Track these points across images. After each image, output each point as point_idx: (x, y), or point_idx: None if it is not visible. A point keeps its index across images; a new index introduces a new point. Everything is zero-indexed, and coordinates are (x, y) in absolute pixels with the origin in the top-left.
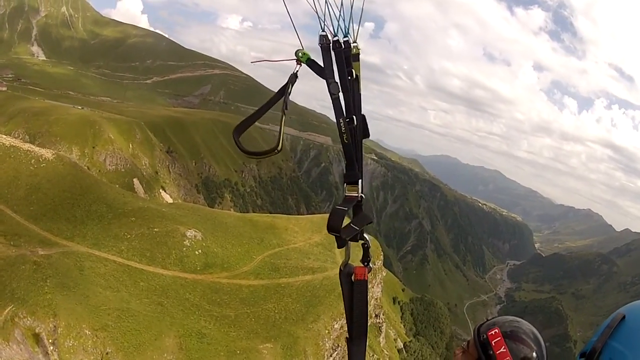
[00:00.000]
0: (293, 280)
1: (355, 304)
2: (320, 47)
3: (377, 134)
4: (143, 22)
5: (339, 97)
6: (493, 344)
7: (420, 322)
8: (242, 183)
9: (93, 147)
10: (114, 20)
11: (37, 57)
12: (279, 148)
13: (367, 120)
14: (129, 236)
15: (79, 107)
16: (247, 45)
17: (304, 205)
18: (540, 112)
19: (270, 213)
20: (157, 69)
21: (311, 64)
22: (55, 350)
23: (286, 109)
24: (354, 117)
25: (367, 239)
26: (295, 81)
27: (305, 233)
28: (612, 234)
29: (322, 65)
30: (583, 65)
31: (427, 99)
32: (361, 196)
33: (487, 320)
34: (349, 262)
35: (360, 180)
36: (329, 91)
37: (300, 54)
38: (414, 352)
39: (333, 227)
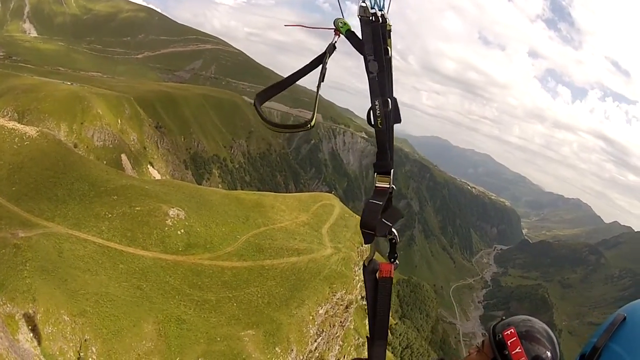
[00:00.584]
0: (277, 262)
1: (379, 302)
2: (360, 19)
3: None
4: None
5: (376, 76)
6: (509, 344)
7: (406, 304)
8: (230, 159)
9: (81, 123)
10: None
11: (29, 34)
12: (312, 123)
13: (359, 99)
14: (110, 215)
15: (69, 83)
16: (241, 20)
17: (292, 183)
18: (534, 98)
19: (258, 190)
20: (149, 43)
21: (350, 35)
22: (35, 337)
23: (322, 80)
24: (389, 99)
25: (396, 234)
26: (333, 52)
27: (292, 212)
28: (601, 225)
29: (361, 39)
30: (579, 56)
31: (421, 80)
32: (393, 188)
33: (502, 319)
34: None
35: (392, 171)
36: (367, 69)
37: (340, 24)
38: (400, 334)
39: (369, 224)
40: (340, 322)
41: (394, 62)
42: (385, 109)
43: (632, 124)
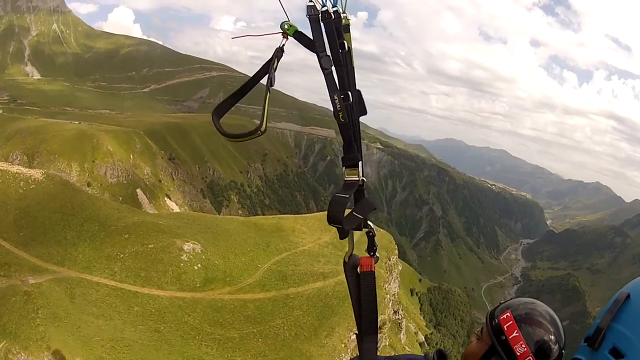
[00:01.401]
0: (303, 290)
1: (363, 297)
2: (309, 18)
3: (380, 122)
4: (136, 32)
5: (331, 71)
6: (505, 329)
7: (439, 312)
8: (248, 184)
9: (93, 161)
10: (105, 32)
11: (32, 76)
12: (263, 129)
13: (370, 110)
14: (122, 256)
15: (76, 122)
16: (243, 45)
17: (312, 201)
18: (541, 88)
19: (279, 212)
20: (154, 76)
21: (299, 36)
22: None
23: (271, 85)
24: (349, 92)
25: (372, 226)
26: (281, 56)
27: (314, 233)
28: (623, 205)
29: (312, 38)
30: (580, 38)
31: (427, 84)
32: (362, 180)
33: (500, 304)
34: (354, 252)
35: (360, 163)
36: (321, 65)
37: (286, 26)
38: (436, 344)
39: (334, 217)
40: None
41: (398, 70)
42: (345, 103)
43: None
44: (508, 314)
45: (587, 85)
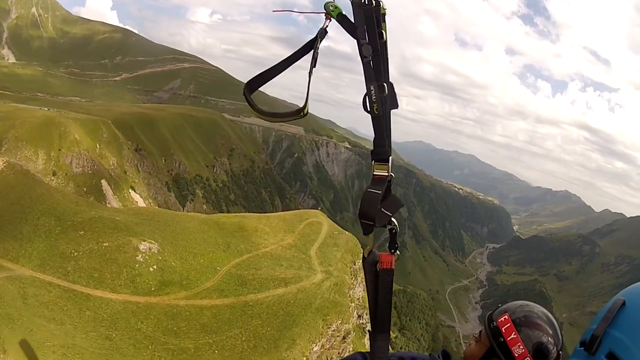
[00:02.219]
0: (263, 297)
1: (380, 294)
2: (352, 2)
3: (351, 122)
4: (113, 19)
5: (370, 60)
6: (503, 331)
7: (404, 315)
8: (213, 178)
9: (59, 150)
10: (82, 18)
11: (7, 59)
12: (305, 111)
13: (341, 109)
14: (76, 254)
15: (45, 109)
16: (218, 38)
17: (278, 198)
18: (514, 95)
19: (244, 207)
20: (126, 65)
21: (342, 19)
22: None
23: (314, 66)
24: (385, 84)
25: (396, 223)
26: (324, 37)
27: (277, 234)
28: (592, 214)
29: (353, 23)
30: (557, 49)
31: (400, 86)
32: (391, 175)
33: (498, 307)
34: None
35: (390, 158)
36: (361, 53)
37: (331, 7)
38: (400, 348)
39: (368, 214)
40: (338, 353)
41: None
42: (381, 94)
43: (615, 111)
44: (506, 316)
45: (561, 95)
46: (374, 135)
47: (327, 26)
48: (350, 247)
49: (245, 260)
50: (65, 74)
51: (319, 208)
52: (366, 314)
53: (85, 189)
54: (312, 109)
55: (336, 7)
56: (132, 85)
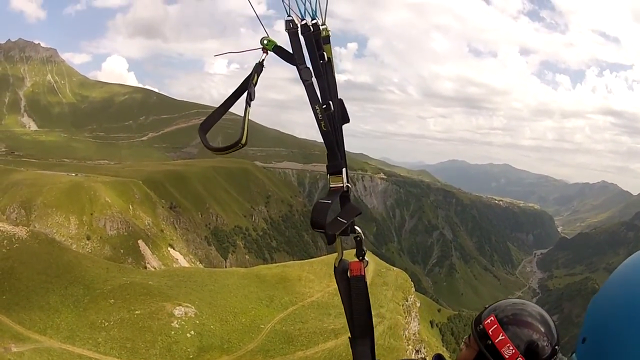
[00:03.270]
0: (312, 353)
1: (354, 301)
2: (288, 32)
3: (382, 151)
4: (131, 80)
5: (312, 83)
6: (490, 333)
7: (462, 340)
8: (253, 227)
9: (91, 214)
10: (100, 81)
11: (29, 127)
12: (243, 141)
13: (370, 140)
14: (106, 324)
15: (73, 174)
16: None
17: (321, 239)
18: (536, 95)
19: (287, 253)
20: (151, 124)
21: (278, 51)
22: None
23: (251, 99)
24: (331, 102)
25: (360, 231)
26: (261, 71)
27: (322, 280)
28: (631, 199)
29: (291, 52)
30: (568, 39)
31: (424, 107)
32: (347, 186)
33: (486, 308)
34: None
35: (344, 169)
36: (301, 77)
37: (265, 42)
38: None
39: (316, 222)
40: None
41: (393, 97)
42: (327, 112)
43: (634, 88)
44: (492, 317)
45: (581, 85)
46: (326, 151)
47: (263, 59)
48: (400, 283)
49: (290, 314)
50: (90, 137)
51: (364, 242)
52: (424, 348)
53: (122, 250)
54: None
55: (270, 41)
56: (159, 143)
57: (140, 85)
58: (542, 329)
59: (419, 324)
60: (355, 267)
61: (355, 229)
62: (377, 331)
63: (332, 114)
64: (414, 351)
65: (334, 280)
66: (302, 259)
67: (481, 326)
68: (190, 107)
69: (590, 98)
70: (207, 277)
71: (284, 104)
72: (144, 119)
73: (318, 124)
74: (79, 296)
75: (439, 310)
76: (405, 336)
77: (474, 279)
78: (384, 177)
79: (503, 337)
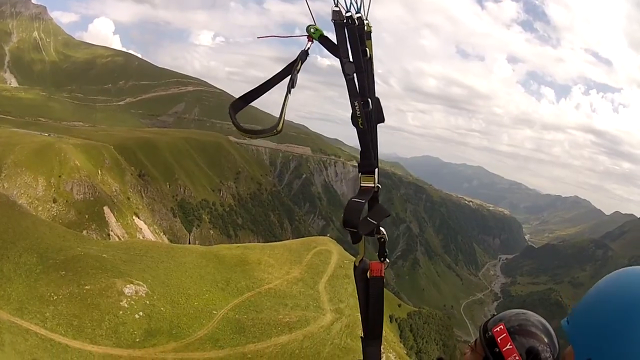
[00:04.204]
0: (264, 347)
1: (370, 302)
2: (334, 23)
3: (357, 140)
4: (116, 43)
5: (353, 77)
6: (499, 341)
7: (420, 338)
8: (220, 203)
9: (59, 176)
10: (84, 42)
11: (9, 83)
12: (279, 128)
13: (346, 128)
14: (55, 297)
15: (46, 134)
16: (221, 60)
17: (287, 220)
18: (518, 104)
19: (252, 231)
20: (130, 89)
21: (324, 40)
22: None
23: (293, 87)
24: (369, 100)
25: (384, 232)
26: (305, 59)
27: (283, 266)
28: (603, 218)
29: (336, 43)
30: (558, 54)
31: (404, 101)
32: (378, 187)
33: (494, 316)
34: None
35: (376, 170)
36: (344, 71)
37: (312, 30)
38: None
39: (350, 221)
40: None
41: (375, 87)
42: (365, 110)
43: (620, 111)
44: (501, 326)
45: (565, 100)
46: (360, 149)
47: (308, 48)
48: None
49: (245, 301)
50: (68, 98)
51: (330, 228)
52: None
53: (87, 216)
54: (318, 128)
55: (317, 30)
56: (135, 109)
57: (124, 50)
58: (546, 340)
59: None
60: (375, 267)
61: (380, 229)
62: (334, 329)
63: (369, 112)
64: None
65: (294, 268)
66: (267, 239)
67: (490, 333)
68: (171, 75)
69: (573, 114)
70: (164, 253)
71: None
72: (124, 84)
73: (355, 121)
74: (32, 265)
75: (399, 305)
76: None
77: (436, 275)
78: (356, 164)
79: (510, 346)
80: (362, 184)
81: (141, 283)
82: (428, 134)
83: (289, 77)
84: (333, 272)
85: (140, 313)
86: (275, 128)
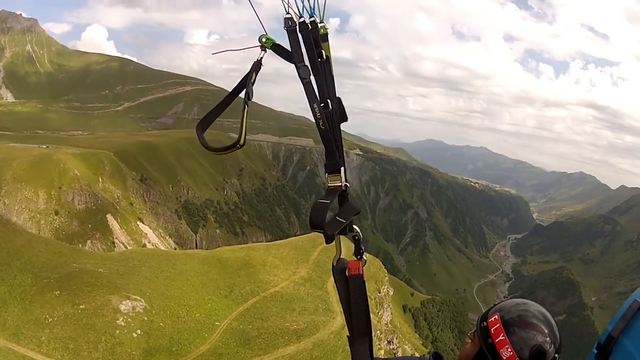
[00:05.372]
0: (271, 359)
1: (352, 300)
2: (286, 30)
3: (359, 127)
4: (111, 50)
5: (310, 81)
6: (492, 332)
7: (435, 326)
8: (225, 201)
9: (59, 188)
10: (78, 50)
11: (6, 99)
12: (241, 142)
13: (348, 115)
14: (50, 320)
15: (44, 146)
16: (217, 58)
17: (293, 214)
18: (518, 82)
19: (259, 227)
20: (127, 94)
21: (277, 48)
22: None
23: (249, 99)
24: (329, 100)
25: (358, 230)
26: (259, 69)
27: (289, 266)
28: (609, 192)
29: (289, 50)
30: (555, 30)
31: (404, 86)
32: (345, 185)
33: (494, 305)
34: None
35: (342, 168)
36: (299, 75)
37: (264, 39)
38: None
39: (315, 222)
40: None
41: (373, 74)
42: (325, 111)
43: (619, 85)
44: (496, 316)
45: (564, 76)
46: (324, 149)
47: (262, 57)
48: (373, 272)
49: (250, 308)
50: (65, 108)
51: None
52: (396, 339)
53: (90, 225)
54: None
55: (268, 39)
56: (134, 113)
57: (119, 55)
58: (546, 330)
59: (391, 313)
60: (353, 266)
61: (353, 227)
62: (346, 334)
63: (330, 112)
64: (386, 341)
65: (301, 267)
66: (274, 234)
67: (485, 323)
68: (168, 76)
69: (573, 90)
70: (164, 261)
71: (261, 77)
72: (121, 89)
73: (316, 123)
74: (27, 287)
75: (412, 295)
76: (376, 335)
77: (447, 259)
78: (359, 153)
79: (503, 337)
80: (328, 184)
81: (139, 297)
82: (430, 118)
83: (244, 90)
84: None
85: (138, 331)
86: (238, 142)
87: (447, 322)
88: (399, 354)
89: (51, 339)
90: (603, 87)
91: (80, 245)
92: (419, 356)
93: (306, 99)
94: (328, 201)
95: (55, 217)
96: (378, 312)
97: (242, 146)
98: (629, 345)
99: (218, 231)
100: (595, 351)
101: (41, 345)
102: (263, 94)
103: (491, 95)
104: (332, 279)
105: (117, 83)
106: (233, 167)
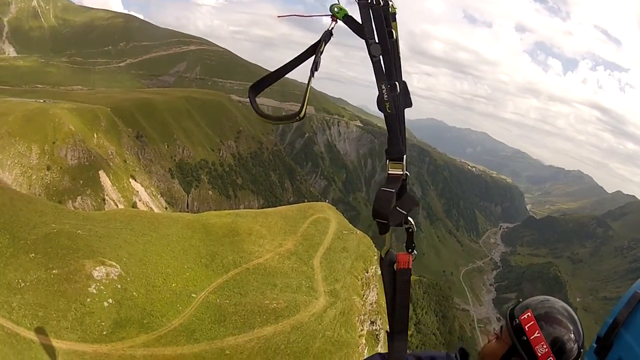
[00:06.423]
0: (245, 340)
1: (398, 294)
2: (358, 2)
3: (362, 100)
4: (117, 6)
5: (379, 59)
6: (527, 329)
7: (420, 309)
8: (220, 162)
9: (53, 143)
10: (84, 6)
11: (8, 54)
12: (302, 115)
13: (351, 87)
14: (22, 285)
15: (40, 101)
16: (224, 19)
17: (288, 180)
18: (525, 73)
19: (252, 192)
20: (131, 50)
21: (348, 20)
22: None
23: (316, 69)
24: (397, 83)
25: (412, 222)
26: (329, 39)
27: (276, 237)
28: (604, 195)
29: (360, 23)
30: (567, 27)
31: (410, 63)
32: (406, 174)
33: (519, 302)
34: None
35: (405, 156)
36: (370, 53)
37: (336, 9)
38: (416, 347)
39: (381, 213)
40: None
41: None
42: (393, 93)
43: (626, 91)
44: (529, 313)
45: (572, 73)
46: (388, 134)
47: (332, 28)
48: (362, 251)
49: (230, 280)
50: (67, 63)
51: (332, 188)
52: (380, 320)
53: (81, 181)
54: (323, 87)
55: (341, 9)
56: (136, 70)
57: (126, 12)
58: (571, 327)
59: (377, 293)
60: (402, 259)
61: (409, 219)
62: (327, 318)
63: (397, 96)
64: (369, 322)
65: (288, 239)
66: (267, 199)
67: (517, 321)
68: (172, 35)
69: (580, 88)
70: (147, 224)
71: (268, 41)
72: (124, 45)
73: (382, 105)
74: (3, 248)
75: None
76: (360, 330)
77: (437, 240)
78: (360, 124)
79: (539, 334)
80: (390, 172)
81: (114, 263)
82: (433, 97)
83: (313, 59)
84: (330, 244)
85: (110, 300)
86: (298, 114)
87: (432, 306)
88: (380, 337)
89: (22, 305)
90: (610, 90)
91: (70, 202)
92: (444, 352)
93: (374, 77)
94: (393, 190)
95: (46, 173)
96: (364, 293)
97: (302, 118)
98: (628, 337)
99: (210, 193)
100: (595, 345)
101: (12, 312)
102: (268, 58)
103: (497, 82)
104: (319, 253)
105: (121, 39)
106: (231, 129)
